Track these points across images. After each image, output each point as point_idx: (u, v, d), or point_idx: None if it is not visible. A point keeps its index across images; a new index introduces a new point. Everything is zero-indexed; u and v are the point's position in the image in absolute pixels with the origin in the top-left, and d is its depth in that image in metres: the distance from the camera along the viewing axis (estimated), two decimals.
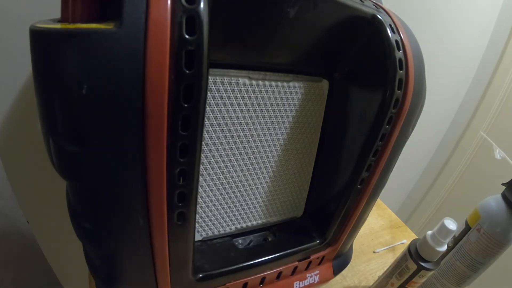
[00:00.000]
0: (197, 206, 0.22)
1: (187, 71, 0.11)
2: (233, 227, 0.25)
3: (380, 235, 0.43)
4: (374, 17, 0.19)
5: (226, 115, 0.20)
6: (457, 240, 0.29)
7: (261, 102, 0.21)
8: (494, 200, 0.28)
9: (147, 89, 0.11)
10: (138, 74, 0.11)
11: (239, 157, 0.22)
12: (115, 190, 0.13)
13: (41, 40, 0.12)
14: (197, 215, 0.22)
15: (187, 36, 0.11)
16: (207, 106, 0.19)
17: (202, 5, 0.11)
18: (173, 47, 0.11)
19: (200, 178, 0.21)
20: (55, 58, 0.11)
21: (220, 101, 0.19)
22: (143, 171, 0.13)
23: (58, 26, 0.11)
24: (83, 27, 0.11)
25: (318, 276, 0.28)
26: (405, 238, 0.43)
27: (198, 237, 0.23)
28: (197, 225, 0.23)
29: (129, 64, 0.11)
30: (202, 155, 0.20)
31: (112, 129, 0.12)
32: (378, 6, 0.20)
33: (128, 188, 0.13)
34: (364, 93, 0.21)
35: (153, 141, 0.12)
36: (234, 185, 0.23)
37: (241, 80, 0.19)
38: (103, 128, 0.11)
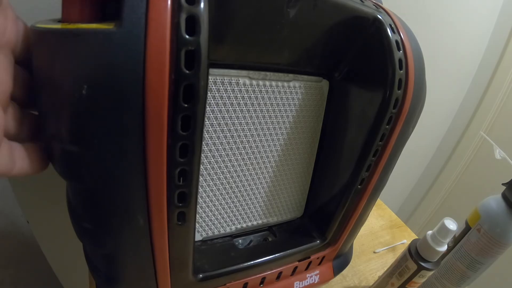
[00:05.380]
0: (197, 206, 0.22)
1: (187, 71, 0.11)
2: (233, 227, 0.25)
3: (380, 235, 0.43)
4: (374, 17, 0.19)
5: (226, 115, 0.20)
6: (457, 240, 0.29)
7: (261, 102, 0.21)
8: (494, 200, 0.28)
9: (147, 89, 0.11)
10: (138, 74, 0.11)
11: (239, 157, 0.22)
12: (115, 190, 0.13)
13: (41, 40, 0.12)
14: (197, 215, 0.22)
15: (187, 36, 0.11)
16: (207, 106, 0.19)
17: (202, 5, 0.11)
18: (173, 47, 0.11)
19: (200, 178, 0.21)
20: (55, 58, 0.11)
21: (220, 101, 0.19)
22: (143, 171, 0.13)
23: (59, 26, 0.11)
24: (83, 27, 0.11)
25: (318, 276, 0.28)
26: (405, 238, 0.43)
27: (198, 237, 0.23)
28: (197, 225, 0.23)
29: (129, 64, 0.11)
30: (202, 155, 0.20)
31: (112, 129, 0.12)
32: (378, 6, 0.20)
33: (128, 188, 0.13)
34: (364, 93, 0.21)
35: (153, 141, 0.12)
36: (234, 185, 0.23)
37: (241, 80, 0.19)
38: (103, 128, 0.11)
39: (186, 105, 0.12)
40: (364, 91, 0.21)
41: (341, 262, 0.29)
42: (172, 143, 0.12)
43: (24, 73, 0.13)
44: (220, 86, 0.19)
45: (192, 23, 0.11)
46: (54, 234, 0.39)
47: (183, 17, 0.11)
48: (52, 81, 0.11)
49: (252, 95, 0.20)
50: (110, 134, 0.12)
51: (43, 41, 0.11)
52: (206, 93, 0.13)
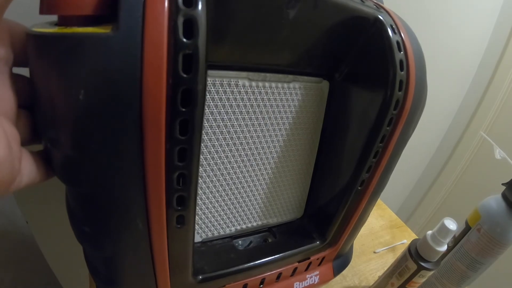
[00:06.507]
0: (197, 208, 0.22)
1: (185, 75, 0.11)
2: (233, 229, 0.25)
3: (380, 235, 0.43)
4: (375, 17, 0.18)
5: (225, 116, 0.20)
6: (457, 240, 0.29)
7: (261, 103, 0.21)
8: (494, 200, 0.28)
9: (144, 93, 0.11)
10: (135, 78, 0.11)
11: (239, 159, 0.22)
12: (114, 194, 0.13)
13: (37, 44, 0.11)
14: (196, 217, 0.22)
15: (184, 40, 0.11)
16: (206, 108, 0.19)
17: (200, 7, 0.11)
18: (171, 51, 0.11)
19: (200, 180, 0.21)
20: (51, 63, 0.11)
21: (219, 103, 0.19)
22: (141, 176, 0.13)
23: (55, 30, 0.11)
24: (79, 31, 0.11)
25: (318, 276, 0.28)
26: (405, 238, 0.43)
27: (198, 239, 0.23)
28: (197, 226, 0.23)
29: (126, 68, 0.10)
30: (201, 157, 0.20)
31: (109, 134, 0.11)
32: (379, 6, 0.19)
33: (127, 192, 0.13)
34: (364, 94, 0.21)
35: (151, 145, 0.12)
36: (234, 186, 0.23)
37: (240, 81, 0.19)
38: (101, 133, 0.11)
39: (184, 110, 0.12)
40: (364, 92, 0.21)
41: (341, 262, 0.29)
42: (170, 148, 0.12)
43: (24, 79, 0.13)
44: (219, 88, 0.19)
45: (190, 26, 0.11)
46: (54, 234, 0.39)
47: (180, 20, 0.11)
48: (48, 86, 0.11)
49: (252, 97, 0.20)
50: (108, 139, 0.11)
51: (39, 46, 0.11)
52: (205, 97, 0.13)
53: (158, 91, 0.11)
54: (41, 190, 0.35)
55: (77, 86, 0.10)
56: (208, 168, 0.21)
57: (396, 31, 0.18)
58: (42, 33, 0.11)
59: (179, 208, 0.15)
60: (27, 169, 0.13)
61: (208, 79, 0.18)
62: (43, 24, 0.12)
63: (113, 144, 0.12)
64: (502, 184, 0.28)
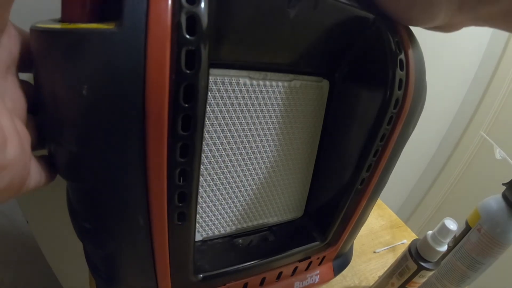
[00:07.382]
0: (198, 206, 0.22)
1: (188, 71, 0.11)
2: (233, 227, 0.25)
3: (380, 235, 0.43)
4: (374, 17, 0.18)
5: (226, 115, 0.20)
6: (457, 240, 0.29)
7: (262, 102, 0.21)
8: (494, 200, 0.28)
9: (147, 89, 0.11)
10: (138, 74, 0.11)
11: (240, 157, 0.22)
12: (116, 190, 0.13)
13: (40, 40, 0.12)
14: (197, 215, 0.22)
15: (187, 36, 0.11)
16: (208, 106, 0.19)
17: (202, 5, 0.11)
18: (174, 47, 0.11)
19: (201, 178, 0.21)
20: (55, 59, 0.11)
21: (220, 101, 0.19)
22: (143, 172, 0.13)
23: (58, 26, 0.11)
24: (83, 27, 0.11)
25: (318, 276, 0.28)
26: (406, 238, 0.43)
27: (198, 237, 0.23)
28: (197, 225, 0.23)
29: (129, 64, 0.11)
30: (202, 155, 0.20)
31: (112, 129, 0.12)
32: None
33: (129, 188, 0.13)
34: (364, 93, 0.21)
35: (153, 141, 0.12)
36: (234, 185, 0.23)
37: (241, 80, 0.19)
38: (103, 128, 0.11)
39: (186, 105, 0.12)
40: (364, 91, 0.21)
41: (342, 262, 0.29)
42: (172, 143, 0.12)
43: (29, 84, 0.13)
44: (220, 86, 0.19)
45: (193, 23, 0.11)
46: (54, 234, 0.39)
47: (183, 17, 0.11)
48: (52, 82, 0.11)
49: (253, 95, 0.20)
50: (111, 134, 0.12)
51: (43, 42, 0.11)
52: (207, 93, 0.13)
53: (161, 86, 0.11)
54: (42, 190, 0.35)
55: (81, 82, 0.11)
56: (209, 166, 0.21)
57: (395, 30, 0.19)
58: (46, 29, 0.11)
59: (181, 204, 0.15)
60: (35, 172, 0.13)
61: (209, 77, 0.18)
62: (47, 21, 0.12)
63: (115, 139, 0.12)
64: (502, 184, 0.28)
